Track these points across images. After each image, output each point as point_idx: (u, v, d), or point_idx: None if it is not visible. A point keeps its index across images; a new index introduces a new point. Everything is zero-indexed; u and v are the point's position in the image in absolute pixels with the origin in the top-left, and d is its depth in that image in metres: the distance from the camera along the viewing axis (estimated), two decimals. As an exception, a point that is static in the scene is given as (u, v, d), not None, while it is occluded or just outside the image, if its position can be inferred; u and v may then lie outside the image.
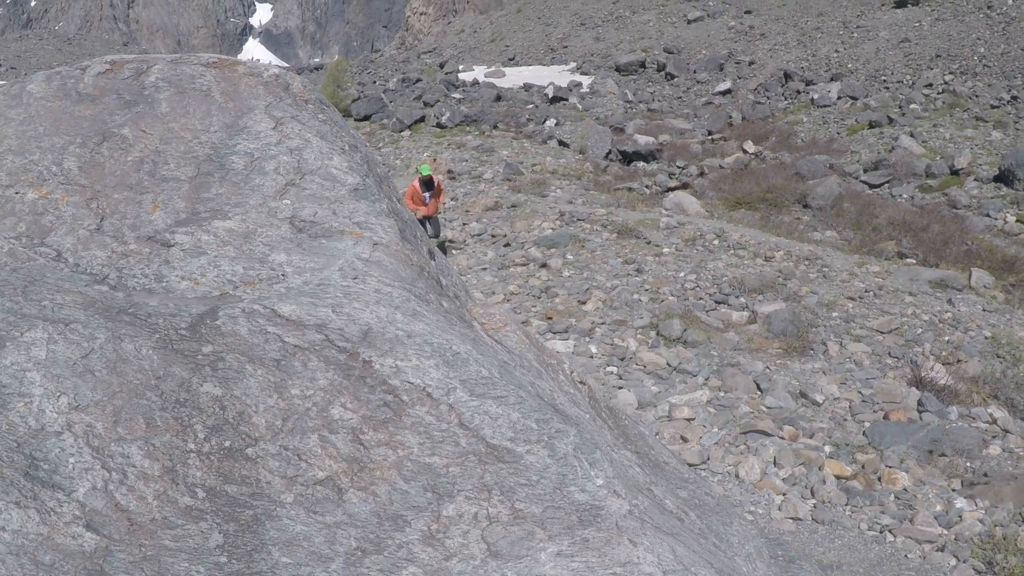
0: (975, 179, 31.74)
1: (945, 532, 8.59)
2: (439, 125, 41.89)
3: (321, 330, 3.82)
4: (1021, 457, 11.05)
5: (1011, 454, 11.07)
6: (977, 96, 43.75)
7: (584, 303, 14.94)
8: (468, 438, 3.57)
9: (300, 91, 5.47)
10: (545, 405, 3.96)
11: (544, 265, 17.32)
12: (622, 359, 12.55)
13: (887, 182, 32.44)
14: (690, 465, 9.29)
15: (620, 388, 11.42)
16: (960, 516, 8.90)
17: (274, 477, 3.39)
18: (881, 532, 8.54)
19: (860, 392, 12.03)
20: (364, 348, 3.76)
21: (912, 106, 43.10)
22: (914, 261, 23.42)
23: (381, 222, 4.73)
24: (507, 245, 19.10)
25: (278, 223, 4.58)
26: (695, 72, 61.84)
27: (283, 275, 4.25)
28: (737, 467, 9.43)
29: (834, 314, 14.90)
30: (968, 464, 10.36)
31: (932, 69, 50.70)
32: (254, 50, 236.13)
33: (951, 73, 49.31)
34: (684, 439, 10.01)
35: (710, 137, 41.97)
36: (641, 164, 35.64)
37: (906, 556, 8.09)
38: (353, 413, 3.56)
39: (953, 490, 9.62)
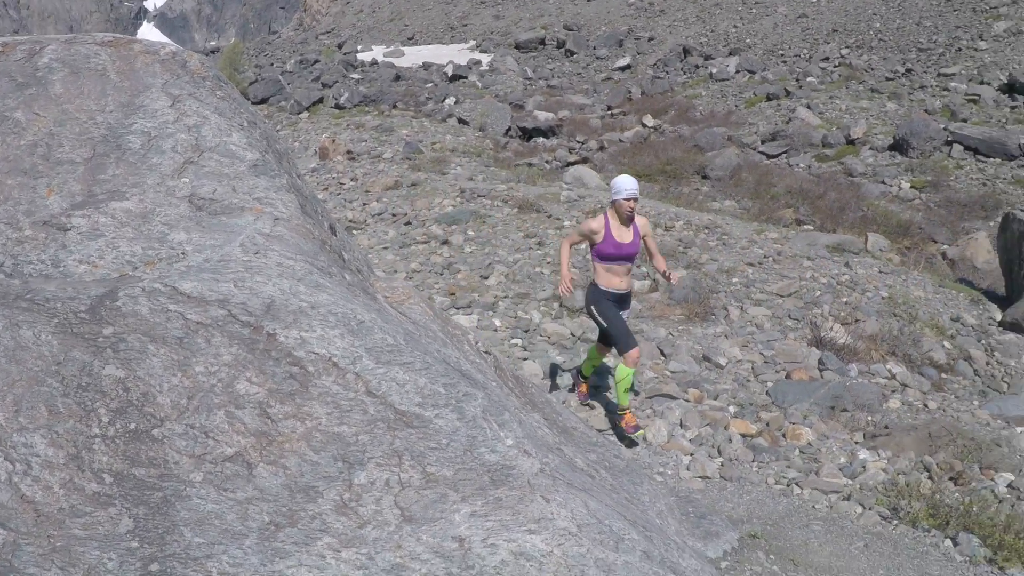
0: (870, 148, 32.39)
1: (850, 482, 8.77)
2: (338, 106, 41.55)
3: (224, 305, 3.78)
4: (920, 409, 11.36)
5: (910, 407, 11.37)
6: (873, 69, 44.61)
7: (486, 278, 14.90)
8: (376, 405, 3.57)
9: (198, 68, 5.38)
10: (452, 370, 3.98)
11: (446, 242, 17.25)
12: (526, 331, 12.57)
13: (784, 152, 32.93)
14: (599, 430, 9.37)
15: (525, 359, 11.44)
16: (864, 466, 9.10)
17: (182, 457, 3.36)
18: (788, 485, 8.67)
19: (762, 354, 12.20)
20: (268, 321, 3.74)
21: (809, 79, 43.77)
22: (812, 227, 23.86)
23: (281, 197, 4.69)
24: (408, 224, 18.97)
25: (177, 202, 4.52)
26: (595, 48, 62.04)
27: (183, 253, 4.19)
28: (644, 430, 9.53)
29: (734, 280, 15.07)
30: (869, 418, 10.60)
31: (829, 43, 51.58)
32: (149, 34, 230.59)
33: (847, 47, 50.22)
34: (591, 406, 10.09)
35: (609, 112, 42.20)
36: (541, 140, 35.77)
37: (813, 507, 8.24)
38: (259, 387, 3.54)
39: (856, 443, 9.83)
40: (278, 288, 3.88)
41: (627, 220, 8.82)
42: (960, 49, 44.91)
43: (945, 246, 23.50)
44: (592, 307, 9.11)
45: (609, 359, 10.59)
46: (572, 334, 12.43)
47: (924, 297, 15.36)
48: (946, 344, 13.63)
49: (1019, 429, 11.23)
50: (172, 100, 5.04)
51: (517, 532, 3.23)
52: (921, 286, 16.07)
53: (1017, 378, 13.09)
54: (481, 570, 3.14)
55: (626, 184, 8.68)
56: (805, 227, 23.80)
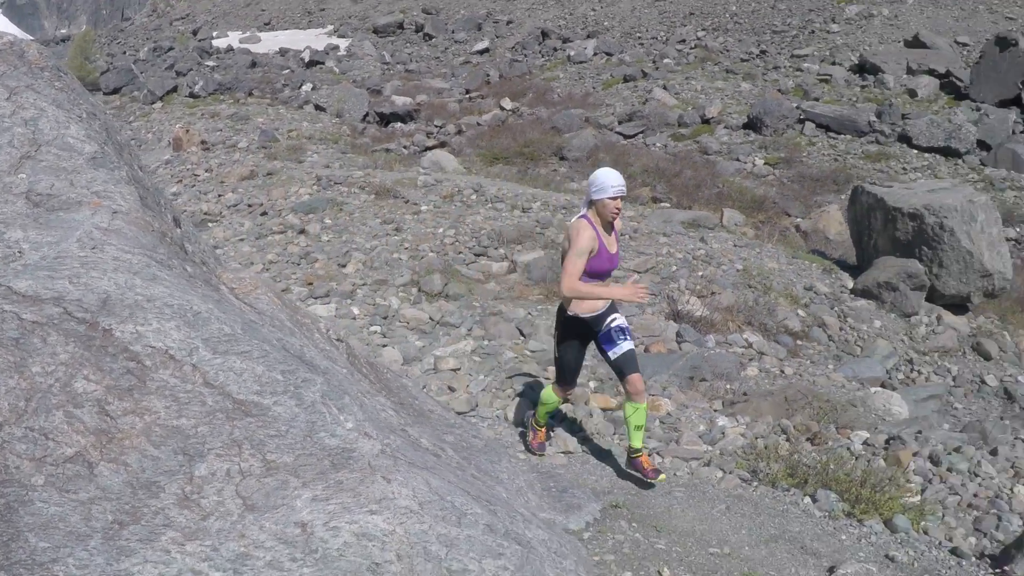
0: (725, 127, 33.11)
1: (710, 448, 9.02)
2: (192, 95, 40.67)
3: (59, 303, 3.70)
4: (777, 375, 11.74)
5: (767, 373, 11.74)
6: (728, 51, 45.59)
7: (344, 266, 14.73)
8: (214, 396, 3.55)
9: (36, 58, 5.22)
10: (291, 357, 3.97)
11: (303, 231, 17.00)
12: (385, 318, 12.50)
13: (641, 132, 33.39)
14: (459, 413, 9.38)
15: (384, 346, 11.39)
16: (723, 433, 9.36)
17: (22, 460, 3.29)
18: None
19: None
20: (104, 317, 3.67)
21: (665, 61, 44.46)
22: (668, 205, 24.28)
23: (120, 190, 4.60)
24: (264, 214, 18.62)
25: (14, 199, 4.40)
26: (453, 32, 61.91)
27: (20, 252, 4.08)
28: (505, 410, 9.57)
29: (592, 258, 15.25)
30: (728, 386, 10.92)
31: (686, 26, 52.46)
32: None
33: (704, 30, 51.19)
34: (452, 389, 10.05)
35: (468, 96, 42.19)
36: (399, 125, 35.58)
37: (675, 474, 8.42)
38: (97, 384, 3.48)
39: (715, 410, 10.09)
40: (114, 283, 3.81)
41: (610, 225, 7.37)
42: (813, 31, 46.31)
43: (799, 219, 24.23)
44: (558, 330, 7.94)
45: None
46: (431, 319, 12.42)
47: (778, 268, 15.83)
48: (800, 312, 14.10)
49: (873, 389, 11.71)
50: (8, 92, 4.90)
51: (359, 513, 3.26)
52: (775, 258, 16.54)
53: (869, 342, 13.65)
54: (324, 553, 3.17)
55: (613, 179, 7.14)
56: (662, 204, 24.21)
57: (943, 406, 11.69)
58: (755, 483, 8.31)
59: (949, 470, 8.84)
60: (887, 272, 15.01)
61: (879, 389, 11.68)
